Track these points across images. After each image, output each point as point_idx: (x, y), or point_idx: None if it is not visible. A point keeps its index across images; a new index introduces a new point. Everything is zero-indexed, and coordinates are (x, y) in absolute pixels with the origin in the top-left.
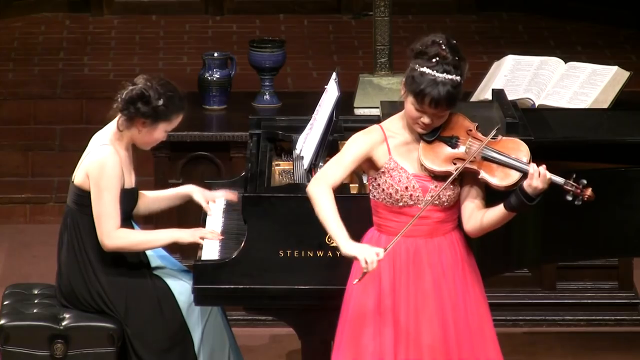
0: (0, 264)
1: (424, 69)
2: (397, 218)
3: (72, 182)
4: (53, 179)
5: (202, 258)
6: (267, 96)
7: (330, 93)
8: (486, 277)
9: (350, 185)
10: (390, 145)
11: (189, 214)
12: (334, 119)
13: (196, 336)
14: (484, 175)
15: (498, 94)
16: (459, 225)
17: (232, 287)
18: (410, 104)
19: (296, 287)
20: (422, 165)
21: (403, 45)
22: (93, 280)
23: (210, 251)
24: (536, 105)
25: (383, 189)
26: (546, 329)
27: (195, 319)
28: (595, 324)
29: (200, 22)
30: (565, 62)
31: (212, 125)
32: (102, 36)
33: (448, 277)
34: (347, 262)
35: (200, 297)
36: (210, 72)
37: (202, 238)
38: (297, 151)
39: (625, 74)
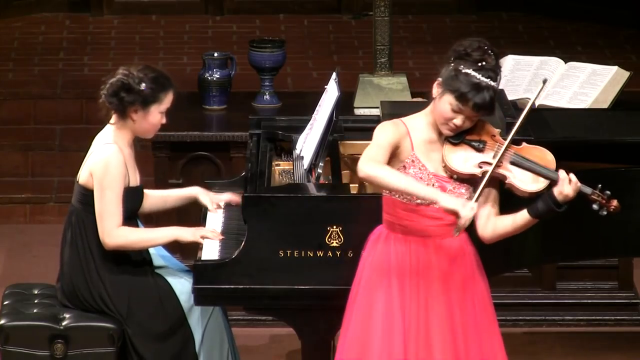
0: (0, 264)
1: (470, 71)
2: (411, 217)
3: (77, 181)
4: (53, 179)
5: (202, 258)
6: (267, 96)
7: (330, 93)
8: (487, 277)
9: (351, 185)
10: (413, 139)
11: (189, 214)
12: (334, 119)
13: (197, 336)
14: (512, 180)
15: (498, 94)
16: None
17: (232, 287)
18: (446, 104)
19: (296, 287)
20: (445, 166)
21: (403, 45)
22: (95, 280)
23: (210, 251)
24: (536, 105)
25: None
26: (546, 329)
27: (197, 319)
28: (595, 324)
29: (200, 22)
30: (565, 62)
31: (212, 125)
32: (102, 36)
33: (456, 279)
34: (347, 262)
35: (200, 297)
36: (210, 72)
37: (203, 237)
38: (297, 151)
39: (625, 74)
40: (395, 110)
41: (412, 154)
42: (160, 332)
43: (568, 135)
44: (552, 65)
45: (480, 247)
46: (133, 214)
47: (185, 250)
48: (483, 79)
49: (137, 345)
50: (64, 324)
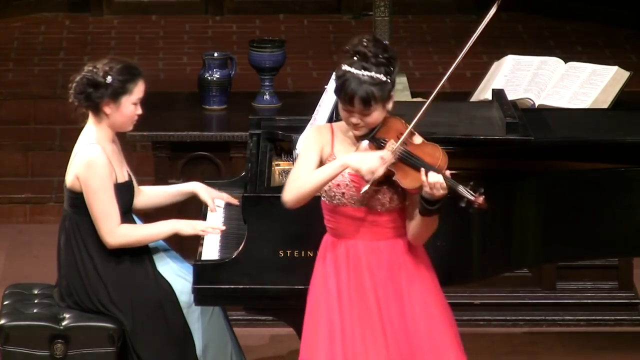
0: (0, 264)
1: (344, 67)
2: (336, 218)
3: (65, 185)
4: (53, 179)
5: (202, 258)
6: (267, 96)
7: (330, 93)
8: (487, 277)
9: None
10: (335, 142)
11: (189, 210)
12: (334, 119)
13: (197, 337)
14: (397, 176)
15: (498, 94)
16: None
17: (232, 287)
18: (341, 108)
19: (296, 287)
20: None
21: (403, 45)
22: (95, 283)
23: (210, 251)
24: (536, 105)
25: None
26: (546, 329)
27: (197, 320)
28: (595, 324)
29: (200, 22)
30: (565, 62)
31: (212, 125)
32: (102, 36)
33: (386, 280)
34: None
35: (200, 297)
36: (210, 72)
37: (204, 231)
38: (297, 151)
39: (625, 74)
40: (395, 110)
41: (329, 155)
42: (160, 334)
43: (568, 135)
44: (552, 65)
45: (480, 248)
46: (127, 209)
47: (185, 250)
48: (357, 71)
49: (136, 347)
50: (64, 324)
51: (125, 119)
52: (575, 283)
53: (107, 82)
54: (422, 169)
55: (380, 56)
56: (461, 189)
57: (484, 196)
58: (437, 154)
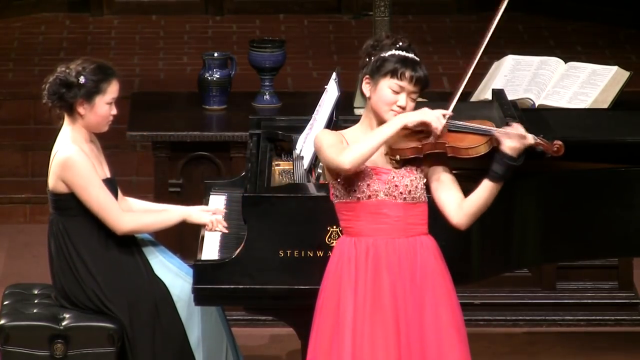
0: (0, 264)
1: (392, 52)
2: (358, 216)
3: (48, 189)
4: None
5: (202, 258)
6: (267, 96)
7: (330, 93)
8: (487, 277)
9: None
10: (349, 143)
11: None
12: (334, 119)
13: (193, 335)
14: (451, 144)
15: (498, 94)
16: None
17: (232, 287)
18: (385, 89)
19: (296, 287)
20: (389, 150)
21: None
22: (90, 284)
23: (210, 251)
24: (536, 105)
25: (342, 184)
26: (546, 329)
27: (193, 319)
28: (595, 324)
29: (200, 22)
30: (565, 62)
31: (212, 125)
32: (102, 36)
33: (404, 279)
34: None
35: (200, 297)
36: (210, 72)
37: (211, 222)
38: (297, 151)
39: (625, 74)
40: None
41: None
42: (156, 335)
43: (568, 135)
44: (552, 65)
45: (480, 248)
46: None
47: (185, 250)
48: (406, 54)
49: (133, 346)
50: (64, 324)
51: (99, 119)
52: (575, 283)
53: (79, 82)
54: (480, 131)
55: (411, 44)
56: (536, 137)
57: (560, 142)
58: (488, 123)
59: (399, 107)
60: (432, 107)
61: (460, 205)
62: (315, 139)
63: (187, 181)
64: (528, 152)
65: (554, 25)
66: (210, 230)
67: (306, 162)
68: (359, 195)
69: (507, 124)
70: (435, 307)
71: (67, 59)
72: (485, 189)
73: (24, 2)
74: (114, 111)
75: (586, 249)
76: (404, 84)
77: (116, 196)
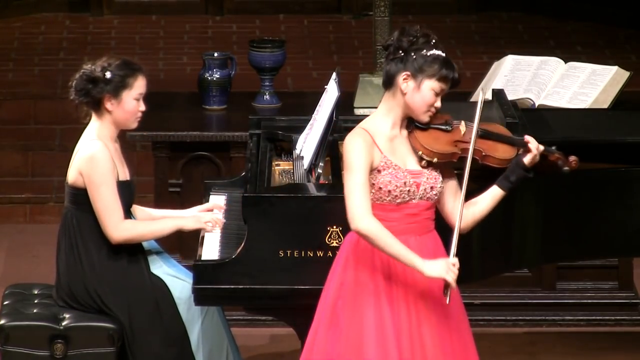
0: (0, 264)
1: (434, 52)
2: (391, 217)
3: (67, 182)
4: (53, 179)
5: (202, 258)
6: (267, 96)
7: (330, 93)
8: (486, 277)
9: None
10: (379, 144)
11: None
12: (334, 119)
13: (193, 336)
14: (488, 153)
15: (498, 94)
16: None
17: (232, 287)
18: (428, 90)
19: (296, 287)
20: (424, 152)
21: None
22: (93, 280)
23: (210, 251)
24: (536, 105)
25: (380, 188)
26: (546, 329)
27: (193, 319)
28: (595, 324)
29: (200, 22)
30: (565, 62)
31: (212, 125)
32: (102, 36)
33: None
34: None
35: (200, 297)
36: (210, 72)
37: (207, 223)
38: (297, 151)
39: (625, 74)
40: None
41: (383, 157)
42: (156, 334)
43: (568, 135)
44: (552, 65)
45: (480, 248)
46: (127, 209)
47: (185, 250)
48: (443, 54)
49: (133, 346)
50: (64, 324)
51: (127, 114)
52: (575, 283)
53: (106, 77)
54: (510, 140)
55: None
56: (553, 151)
57: (575, 157)
58: (504, 128)
59: (436, 108)
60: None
61: (472, 215)
62: (345, 146)
63: (187, 181)
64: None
65: (554, 25)
66: (209, 231)
67: (306, 162)
68: (398, 201)
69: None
70: (457, 299)
71: (67, 59)
72: (494, 198)
73: (24, 2)
74: (143, 107)
75: (586, 249)
76: (447, 86)
77: (132, 199)
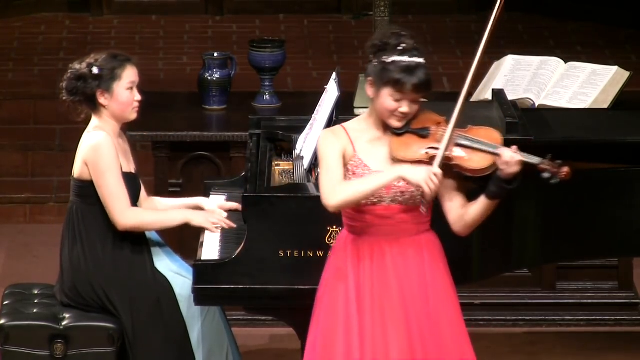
0: (0, 264)
1: (395, 58)
2: (362, 217)
3: (72, 176)
4: (53, 179)
5: (202, 258)
6: (267, 96)
7: (330, 93)
8: (486, 277)
9: None
10: (355, 143)
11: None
12: (334, 119)
13: (194, 334)
14: (458, 161)
15: (498, 94)
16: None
17: (232, 287)
18: (386, 97)
19: (296, 287)
20: (393, 158)
21: None
22: (96, 274)
23: (210, 251)
24: (536, 105)
25: None
26: (546, 329)
27: (194, 317)
28: (595, 324)
29: (200, 22)
30: (565, 62)
31: (212, 125)
32: (102, 36)
33: (412, 279)
34: None
35: (200, 297)
36: (210, 72)
37: (214, 224)
38: (297, 151)
39: (625, 74)
40: None
41: (354, 156)
42: (157, 332)
43: (568, 135)
44: (552, 65)
45: (480, 248)
46: (134, 202)
47: (185, 250)
48: (410, 59)
49: (134, 344)
50: (64, 324)
51: (123, 106)
52: (575, 283)
53: (93, 72)
54: (485, 150)
55: (416, 44)
56: (542, 162)
57: (566, 166)
58: (495, 135)
59: (402, 113)
60: (437, 111)
61: (460, 216)
62: (317, 141)
63: (187, 181)
64: (522, 149)
65: (554, 25)
66: (213, 232)
67: (306, 162)
68: (363, 201)
69: (510, 146)
70: (447, 303)
71: (67, 59)
72: (483, 205)
73: (24, 2)
74: (138, 97)
75: (586, 249)
76: (406, 93)
77: (137, 193)
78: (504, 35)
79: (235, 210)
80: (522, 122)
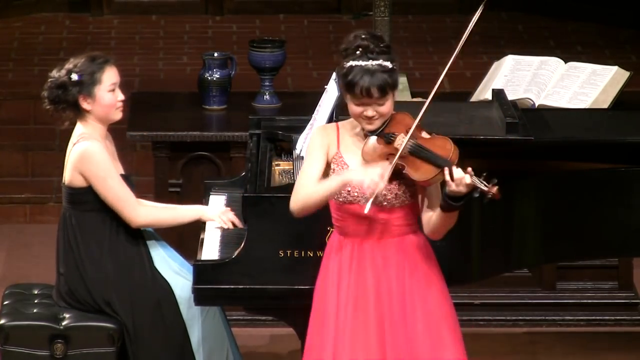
0: (0, 264)
1: (351, 62)
2: (343, 217)
3: (63, 183)
4: (53, 179)
5: (202, 258)
6: (267, 96)
7: (330, 93)
8: (486, 277)
9: None
10: (341, 140)
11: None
12: (334, 119)
13: (194, 335)
14: (407, 170)
15: (498, 94)
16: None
17: (232, 287)
18: (349, 102)
19: (296, 287)
20: (363, 162)
21: (403, 45)
22: (94, 280)
23: (210, 251)
24: (536, 105)
25: None
26: (546, 329)
27: (194, 318)
28: (595, 324)
29: (200, 22)
30: (565, 62)
31: (212, 125)
32: (102, 36)
33: (390, 279)
34: None
35: (200, 297)
36: (210, 72)
37: (225, 223)
38: (297, 151)
39: (625, 74)
40: (394, 110)
41: (336, 153)
42: (157, 333)
43: (568, 135)
44: (552, 65)
45: (480, 248)
46: None
47: (185, 250)
48: (365, 62)
49: (134, 345)
50: (64, 324)
51: (106, 108)
52: (575, 283)
53: (72, 79)
54: (433, 162)
55: (381, 45)
56: (475, 179)
57: (497, 186)
58: (447, 146)
59: (367, 117)
60: (410, 112)
61: (427, 221)
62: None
63: (187, 181)
64: (524, 153)
65: (554, 25)
66: (226, 227)
67: None
68: (341, 199)
69: (450, 164)
70: (425, 304)
71: (67, 59)
72: (439, 216)
73: (24, 2)
74: (121, 96)
75: (586, 249)
76: (361, 98)
77: (133, 192)
78: (504, 35)
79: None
80: (522, 122)
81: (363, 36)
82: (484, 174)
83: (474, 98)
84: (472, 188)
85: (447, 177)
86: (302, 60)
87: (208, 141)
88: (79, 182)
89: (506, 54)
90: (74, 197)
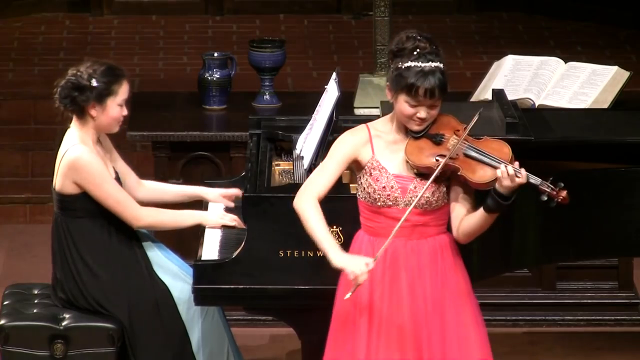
0: (0, 264)
1: (409, 64)
2: (377, 218)
3: (53, 189)
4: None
5: (202, 258)
6: (267, 96)
7: (330, 93)
8: (486, 277)
9: (350, 185)
10: (375, 144)
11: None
12: (334, 119)
13: (194, 336)
14: (463, 172)
15: (498, 94)
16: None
17: (232, 287)
18: (403, 102)
19: (296, 287)
20: (406, 162)
21: None
22: (90, 286)
23: (210, 251)
24: (536, 105)
25: (364, 188)
26: (546, 329)
27: (193, 319)
28: (595, 324)
29: (200, 22)
30: (565, 62)
31: (212, 125)
32: (102, 36)
33: (424, 280)
34: None
35: (200, 297)
36: (210, 72)
37: (227, 223)
38: (297, 151)
39: (625, 74)
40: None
41: (371, 158)
42: (157, 335)
43: (568, 135)
44: (552, 65)
45: (480, 248)
46: None
47: (185, 250)
48: (424, 64)
49: (134, 347)
50: (64, 324)
51: (110, 120)
52: (575, 283)
53: (92, 85)
54: (490, 164)
55: (435, 47)
56: (543, 183)
57: (566, 190)
58: (505, 150)
59: (419, 118)
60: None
61: (461, 224)
62: (338, 138)
63: (187, 181)
64: (522, 150)
65: (554, 25)
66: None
67: (306, 162)
68: (380, 203)
69: (512, 163)
70: (456, 305)
71: (67, 59)
72: (480, 217)
73: (24, 2)
74: (125, 112)
75: (586, 249)
76: (420, 99)
77: None
78: (504, 35)
79: (236, 198)
80: (522, 122)
81: (418, 37)
82: (551, 178)
83: (474, 98)
84: (527, 186)
85: (508, 174)
86: (302, 60)
87: (208, 141)
88: (70, 190)
89: (506, 54)
90: (64, 204)
